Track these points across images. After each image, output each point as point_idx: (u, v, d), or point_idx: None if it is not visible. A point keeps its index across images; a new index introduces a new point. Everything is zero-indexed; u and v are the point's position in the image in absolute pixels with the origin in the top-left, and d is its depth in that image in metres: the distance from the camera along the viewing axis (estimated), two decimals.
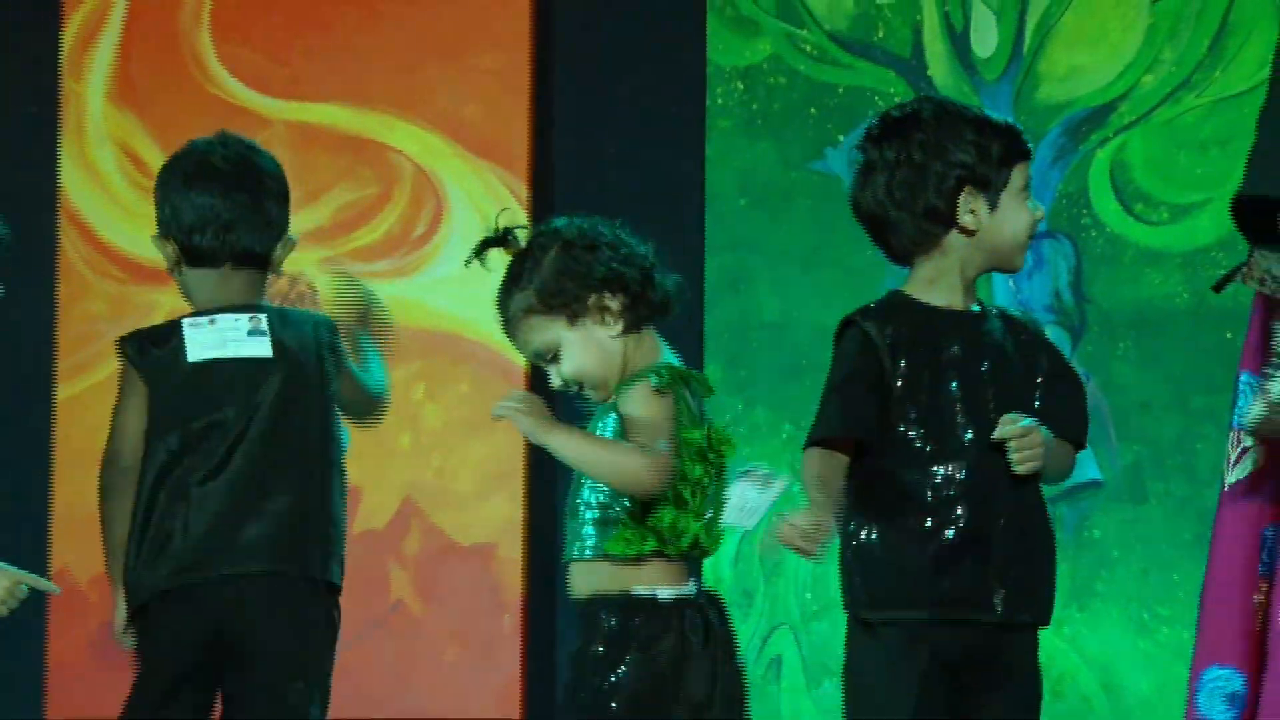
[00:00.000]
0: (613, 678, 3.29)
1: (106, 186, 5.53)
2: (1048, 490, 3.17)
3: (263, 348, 3.65)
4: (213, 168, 3.81)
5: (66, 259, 5.47)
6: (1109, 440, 4.87)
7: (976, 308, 3.18)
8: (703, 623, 3.33)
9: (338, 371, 3.67)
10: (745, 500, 3.32)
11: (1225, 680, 3.07)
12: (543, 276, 3.29)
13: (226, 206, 3.73)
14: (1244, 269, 2.98)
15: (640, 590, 3.28)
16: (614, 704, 3.28)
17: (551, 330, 3.26)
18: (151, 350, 3.64)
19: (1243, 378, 3.04)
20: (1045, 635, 3.19)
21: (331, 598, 3.56)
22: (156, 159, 5.02)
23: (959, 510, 3.10)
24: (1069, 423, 3.15)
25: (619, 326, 3.28)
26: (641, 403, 3.25)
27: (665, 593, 3.28)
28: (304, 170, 5.15)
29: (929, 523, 3.11)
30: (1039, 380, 3.18)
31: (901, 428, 3.10)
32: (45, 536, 5.26)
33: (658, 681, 3.31)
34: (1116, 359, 4.88)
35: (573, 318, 3.27)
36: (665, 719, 3.30)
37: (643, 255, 3.34)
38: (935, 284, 3.14)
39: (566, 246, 3.32)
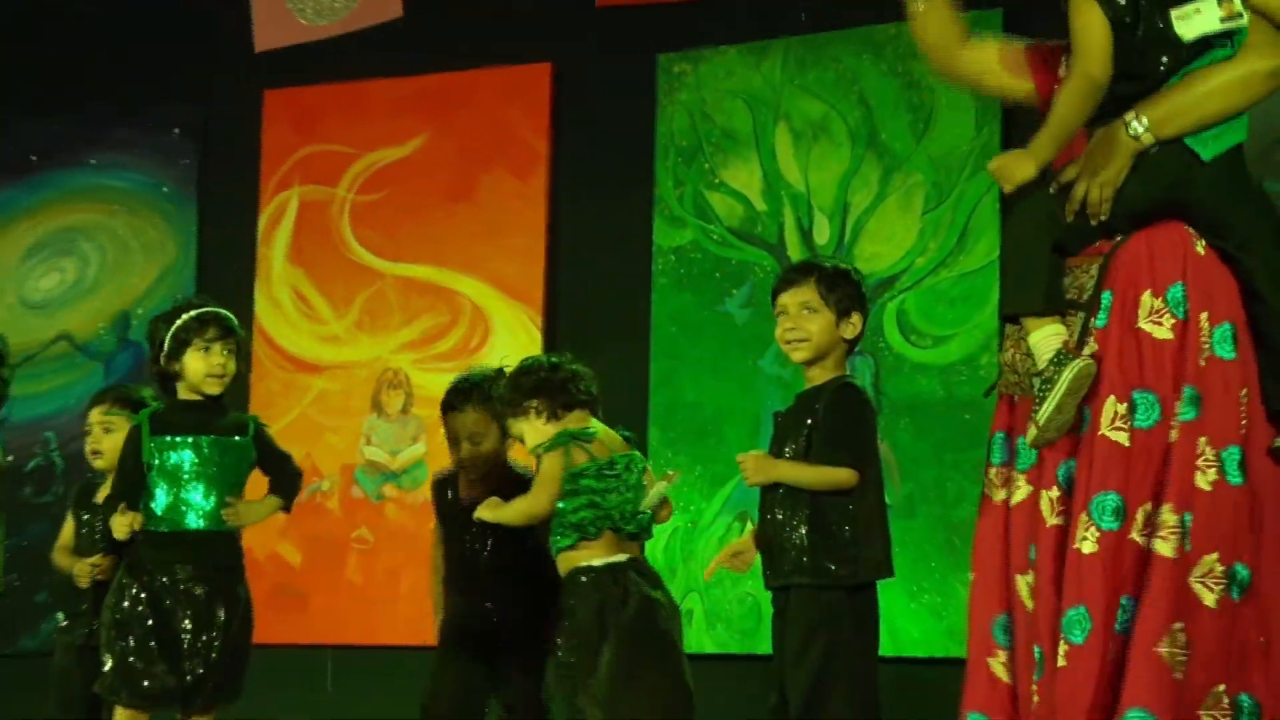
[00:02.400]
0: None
1: (283, 313, 6.07)
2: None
3: None
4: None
5: (257, 356, 5.96)
6: (893, 479, 4.97)
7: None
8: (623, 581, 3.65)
9: None
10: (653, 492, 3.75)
11: None
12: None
13: None
14: (998, 385, 3.00)
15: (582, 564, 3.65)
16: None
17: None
18: None
19: (996, 436, 3.00)
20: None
21: None
22: (316, 298, 6.00)
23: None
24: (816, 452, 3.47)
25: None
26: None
27: (598, 562, 3.66)
28: (402, 305, 5.87)
29: None
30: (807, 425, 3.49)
31: None
32: None
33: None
34: (899, 430, 5.07)
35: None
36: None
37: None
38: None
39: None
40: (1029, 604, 2.85)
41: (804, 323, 3.50)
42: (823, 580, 3.42)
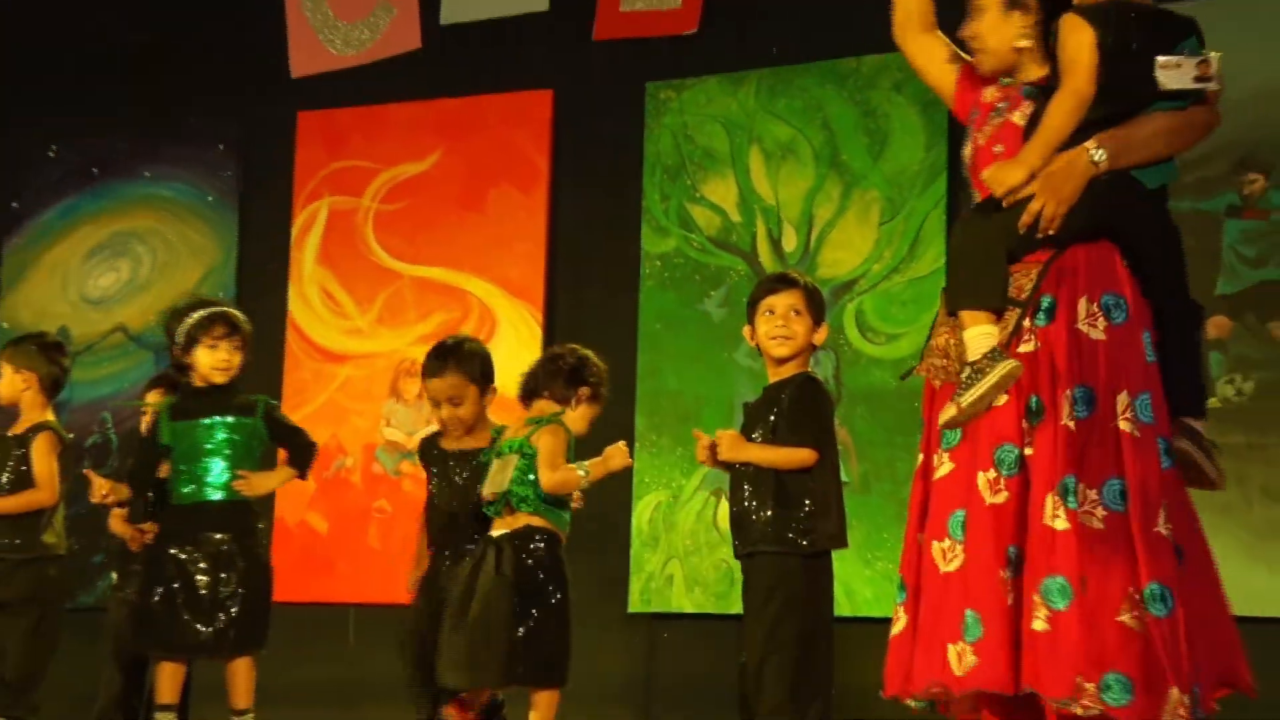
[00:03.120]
0: None
1: (313, 309, 6.08)
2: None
3: None
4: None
5: (289, 347, 6.02)
6: (850, 460, 5.05)
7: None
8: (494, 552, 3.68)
9: None
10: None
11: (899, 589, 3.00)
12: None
13: None
14: (918, 367, 3.00)
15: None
16: None
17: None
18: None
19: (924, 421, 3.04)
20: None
21: None
22: (342, 296, 5.99)
23: None
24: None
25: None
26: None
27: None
28: (419, 302, 5.87)
29: None
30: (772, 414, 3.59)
31: None
32: None
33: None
34: (857, 418, 5.15)
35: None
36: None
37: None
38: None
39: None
40: (943, 567, 2.85)
41: (792, 323, 3.60)
42: (783, 548, 3.49)
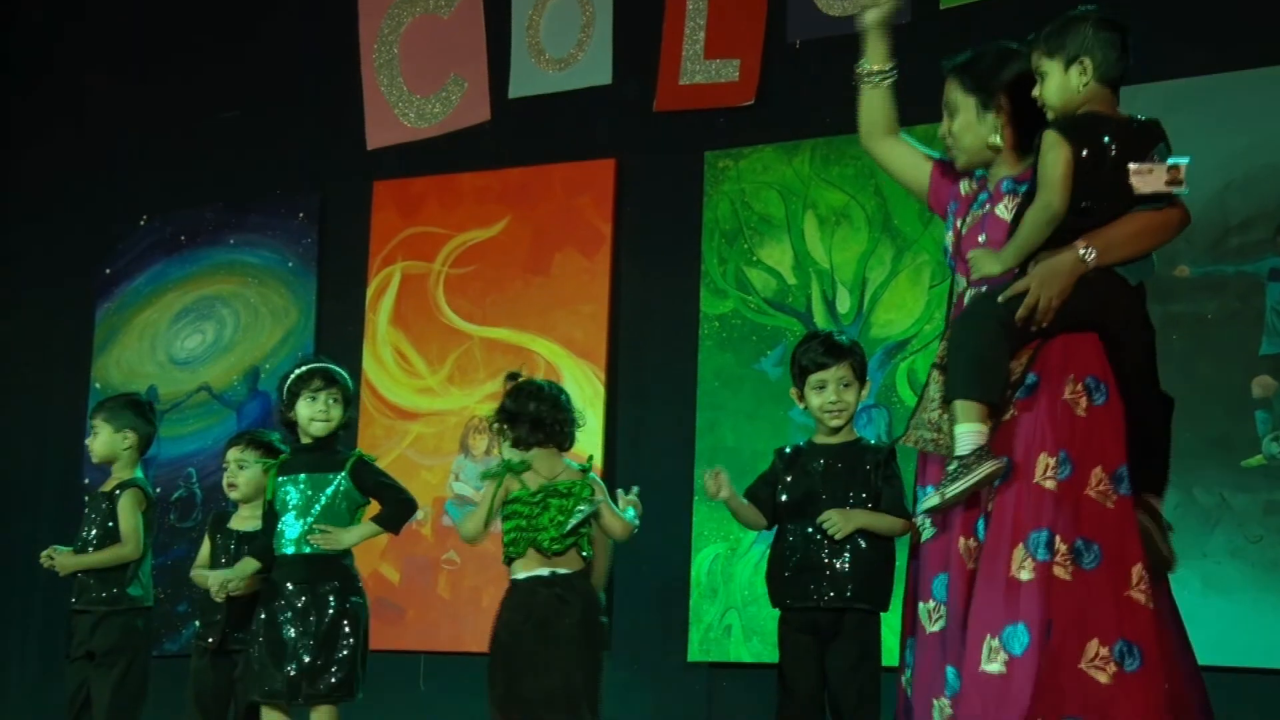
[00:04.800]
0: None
1: (387, 368, 6.10)
2: None
3: None
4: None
5: (364, 405, 6.03)
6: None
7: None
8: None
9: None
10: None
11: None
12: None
13: None
14: (903, 437, 3.15)
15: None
16: None
17: None
18: None
19: (925, 489, 3.14)
20: None
21: None
22: (414, 356, 6.01)
23: None
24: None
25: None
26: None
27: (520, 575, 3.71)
28: (488, 362, 5.88)
29: None
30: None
31: None
32: None
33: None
34: (907, 472, 4.63)
35: None
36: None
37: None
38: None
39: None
40: (929, 628, 2.96)
41: (844, 395, 3.66)
42: (873, 606, 3.58)
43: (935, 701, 2.90)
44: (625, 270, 5.72)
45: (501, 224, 5.89)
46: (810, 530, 3.63)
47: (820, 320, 5.36)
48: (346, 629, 4.19)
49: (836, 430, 3.68)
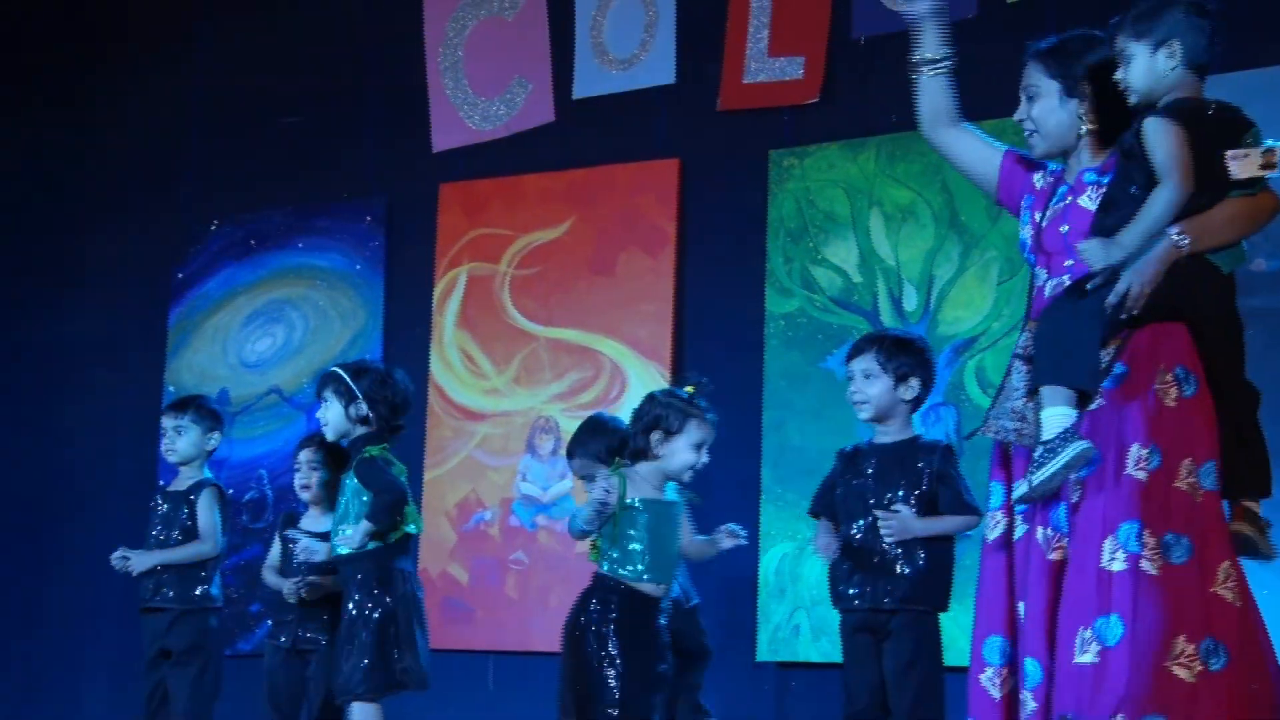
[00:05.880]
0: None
1: (453, 370, 6.12)
2: None
3: None
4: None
5: (430, 407, 6.05)
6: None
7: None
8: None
9: None
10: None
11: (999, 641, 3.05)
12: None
13: None
14: (982, 428, 3.09)
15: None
16: None
17: None
18: None
19: (993, 484, 3.13)
20: None
21: None
22: (480, 357, 6.02)
23: None
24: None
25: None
26: None
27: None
28: (554, 363, 5.90)
29: None
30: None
31: None
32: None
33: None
34: (979, 470, 4.61)
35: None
36: None
37: None
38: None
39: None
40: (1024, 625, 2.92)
41: (864, 387, 3.63)
42: (928, 606, 3.56)
43: (1025, 692, 2.88)
44: (690, 270, 5.69)
45: (566, 225, 5.88)
46: (864, 530, 3.61)
47: (887, 318, 5.32)
48: (359, 629, 4.22)
49: (880, 422, 3.62)
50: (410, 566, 4.42)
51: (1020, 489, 2.88)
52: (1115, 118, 3.01)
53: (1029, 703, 2.86)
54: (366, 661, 4.21)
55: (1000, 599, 3.00)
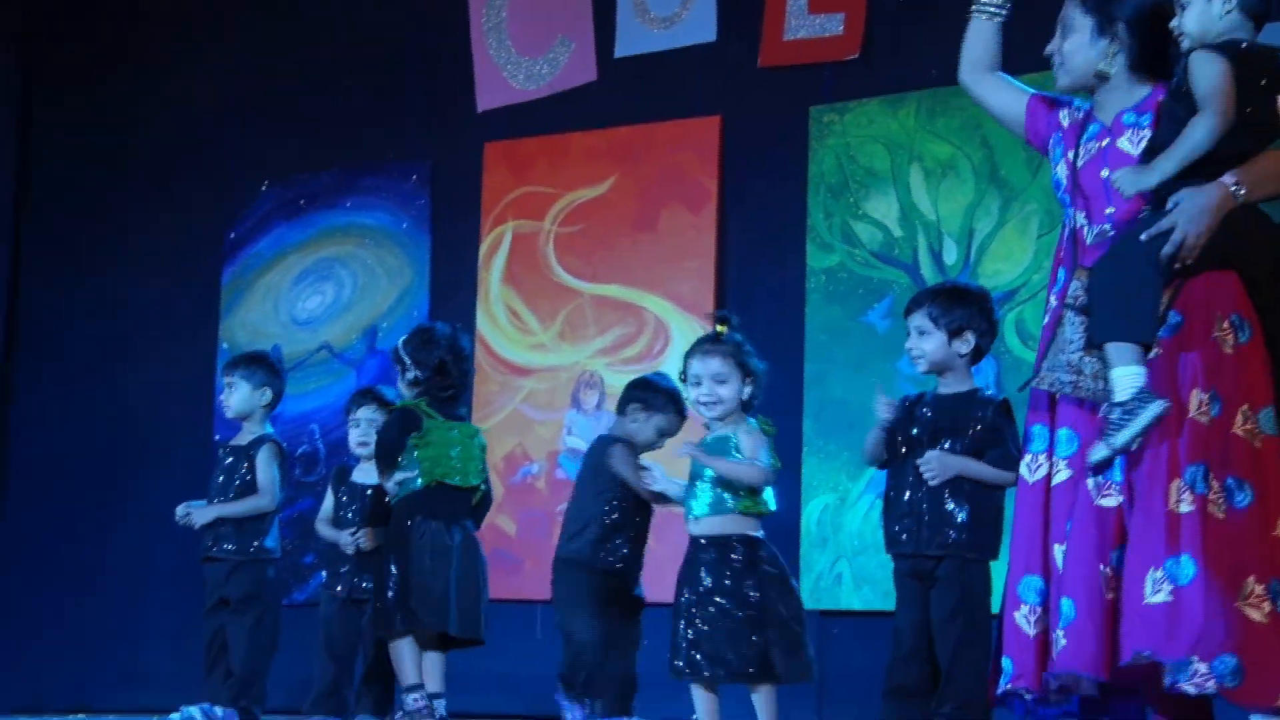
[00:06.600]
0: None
1: (499, 326, 6.16)
2: None
3: None
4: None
5: (478, 362, 6.05)
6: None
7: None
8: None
9: None
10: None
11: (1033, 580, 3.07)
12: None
13: None
14: (1035, 380, 3.08)
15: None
16: None
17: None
18: None
19: (1035, 427, 3.12)
20: None
21: None
22: (526, 313, 6.04)
23: None
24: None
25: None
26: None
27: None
28: (598, 318, 5.94)
29: None
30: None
31: None
32: None
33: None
34: (1018, 422, 4.89)
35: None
36: None
37: None
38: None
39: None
40: (1061, 568, 2.92)
41: (920, 342, 3.63)
42: (975, 555, 3.53)
43: (1058, 631, 2.91)
44: (731, 225, 5.71)
45: (609, 182, 5.90)
46: (914, 477, 3.61)
47: (927, 272, 5.32)
48: (386, 573, 4.34)
49: (941, 373, 3.64)
50: (442, 518, 4.37)
51: (1100, 452, 2.86)
52: (1155, 60, 3.00)
53: (1060, 640, 2.89)
54: (384, 602, 4.31)
55: (1037, 540, 3.00)
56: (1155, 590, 2.76)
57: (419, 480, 4.34)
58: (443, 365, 4.43)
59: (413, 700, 4.29)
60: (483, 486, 4.49)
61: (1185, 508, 2.77)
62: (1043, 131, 3.18)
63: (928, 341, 3.63)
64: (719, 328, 3.80)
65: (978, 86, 3.25)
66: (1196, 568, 2.75)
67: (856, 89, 5.48)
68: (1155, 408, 2.80)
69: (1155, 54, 3.03)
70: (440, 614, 4.32)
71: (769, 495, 3.73)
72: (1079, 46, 3.05)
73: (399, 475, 4.37)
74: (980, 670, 3.41)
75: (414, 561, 4.30)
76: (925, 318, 3.64)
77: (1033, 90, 3.29)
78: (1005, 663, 3.03)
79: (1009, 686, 3.00)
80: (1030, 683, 2.97)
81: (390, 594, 4.31)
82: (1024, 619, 3.01)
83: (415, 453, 4.35)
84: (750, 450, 3.67)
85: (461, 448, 4.42)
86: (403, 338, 4.51)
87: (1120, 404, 2.82)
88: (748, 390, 3.74)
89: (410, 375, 4.42)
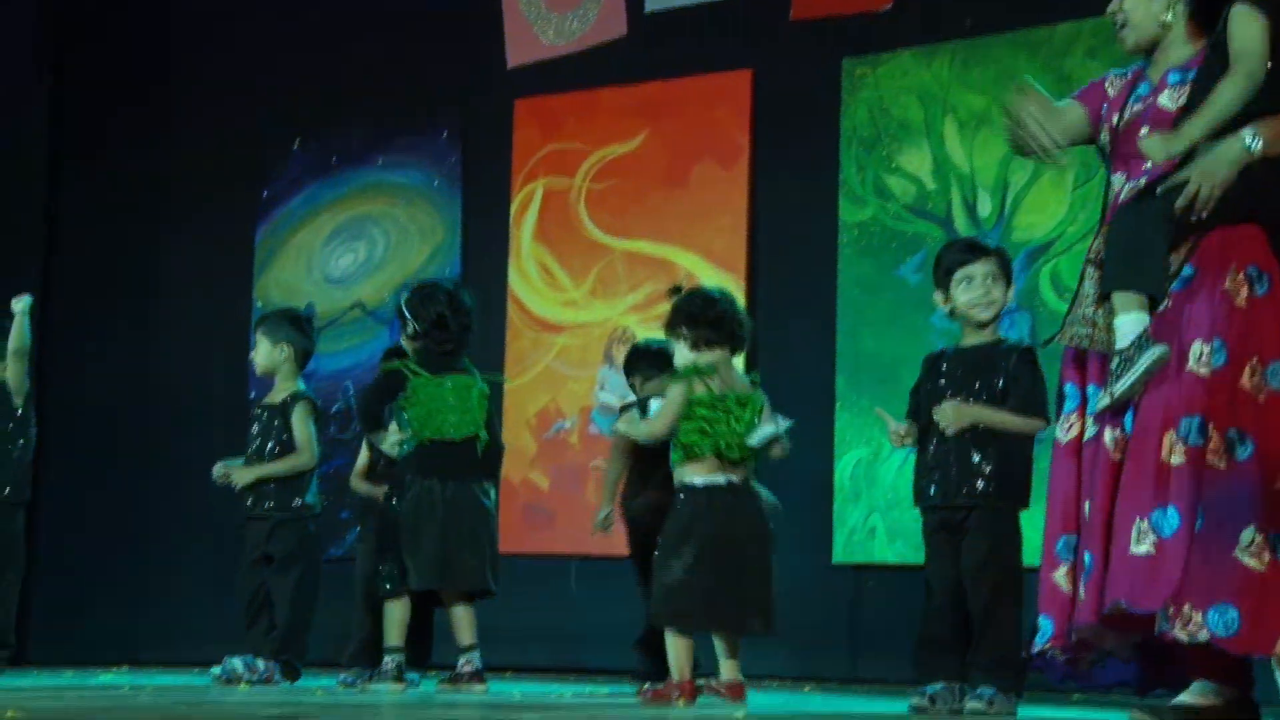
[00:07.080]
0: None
1: (531, 283, 6.20)
2: None
3: None
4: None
5: (510, 319, 6.14)
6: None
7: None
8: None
9: None
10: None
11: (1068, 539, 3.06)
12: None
13: None
14: (1058, 335, 3.07)
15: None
16: None
17: None
18: None
19: (1067, 386, 3.12)
20: None
21: None
22: (558, 270, 6.08)
23: None
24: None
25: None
26: None
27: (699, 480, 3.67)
28: (629, 274, 5.97)
29: None
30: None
31: None
32: None
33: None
34: (1051, 376, 4.67)
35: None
36: None
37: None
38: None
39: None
40: (1088, 522, 2.92)
41: (992, 290, 3.60)
42: (1004, 504, 3.52)
43: (1080, 584, 2.91)
44: (763, 180, 5.73)
45: (640, 138, 5.93)
46: (939, 431, 3.59)
47: (961, 225, 5.31)
48: (394, 531, 4.35)
49: (983, 326, 3.61)
50: (434, 475, 4.34)
51: (1102, 400, 2.87)
52: (1210, 14, 2.96)
53: (1082, 594, 2.90)
54: (391, 560, 4.37)
55: (1072, 500, 3.00)
56: (1140, 540, 2.77)
57: (412, 441, 4.36)
58: (441, 319, 4.38)
59: (388, 660, 4.35)
60: (483, 434, 4.41)
61: (1176, 459, 2.77)
62: (1097, 112, 3.13)
63: (1000, 289, 3.63)
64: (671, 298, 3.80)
65: (1059, 128, 3.09)
66: (1180, 520, 2.75)
67: (889, 41, 5.49)
68: (1153, 353, 2.79)
69: (1211, 8, 2.97)
70: (430, 573, 4.31)
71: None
72: (1139, 2, 3.02)
73: (393, 437, 4.38)
74: (1015, 622, 3.41)
75: (403, 522, 4.33)
76: (996, 264, 3.64)
77: (1072, 96, 3.22)
78: (1043, 621, 3.03)
79: (1044, 646, 3.00)
80: (1063, 642, 2.97)
81: (379, 557, 4.39)
82: (1063, 577, 3.01)
83: (404, 414, 4.35)
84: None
85: (457, 398, 4.36)
86: (404, 293, 4.50)
87: (1120, 351, 2.83)
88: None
89: (410, 329, 4.40)
